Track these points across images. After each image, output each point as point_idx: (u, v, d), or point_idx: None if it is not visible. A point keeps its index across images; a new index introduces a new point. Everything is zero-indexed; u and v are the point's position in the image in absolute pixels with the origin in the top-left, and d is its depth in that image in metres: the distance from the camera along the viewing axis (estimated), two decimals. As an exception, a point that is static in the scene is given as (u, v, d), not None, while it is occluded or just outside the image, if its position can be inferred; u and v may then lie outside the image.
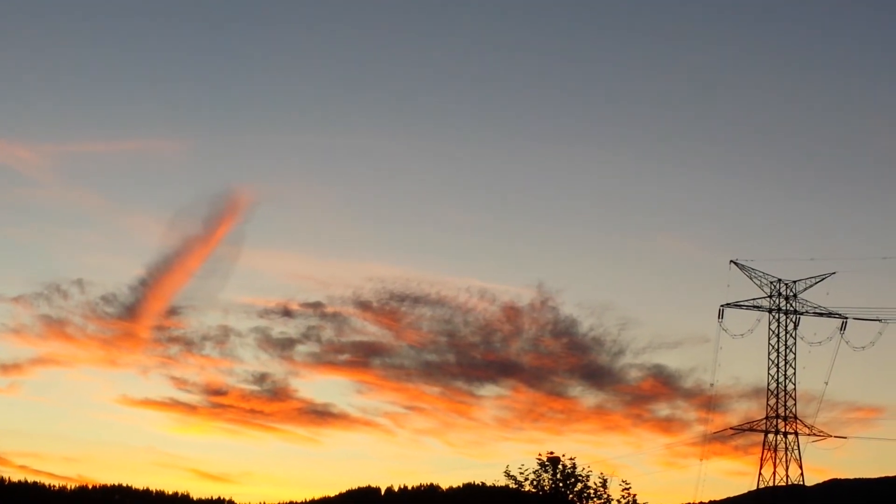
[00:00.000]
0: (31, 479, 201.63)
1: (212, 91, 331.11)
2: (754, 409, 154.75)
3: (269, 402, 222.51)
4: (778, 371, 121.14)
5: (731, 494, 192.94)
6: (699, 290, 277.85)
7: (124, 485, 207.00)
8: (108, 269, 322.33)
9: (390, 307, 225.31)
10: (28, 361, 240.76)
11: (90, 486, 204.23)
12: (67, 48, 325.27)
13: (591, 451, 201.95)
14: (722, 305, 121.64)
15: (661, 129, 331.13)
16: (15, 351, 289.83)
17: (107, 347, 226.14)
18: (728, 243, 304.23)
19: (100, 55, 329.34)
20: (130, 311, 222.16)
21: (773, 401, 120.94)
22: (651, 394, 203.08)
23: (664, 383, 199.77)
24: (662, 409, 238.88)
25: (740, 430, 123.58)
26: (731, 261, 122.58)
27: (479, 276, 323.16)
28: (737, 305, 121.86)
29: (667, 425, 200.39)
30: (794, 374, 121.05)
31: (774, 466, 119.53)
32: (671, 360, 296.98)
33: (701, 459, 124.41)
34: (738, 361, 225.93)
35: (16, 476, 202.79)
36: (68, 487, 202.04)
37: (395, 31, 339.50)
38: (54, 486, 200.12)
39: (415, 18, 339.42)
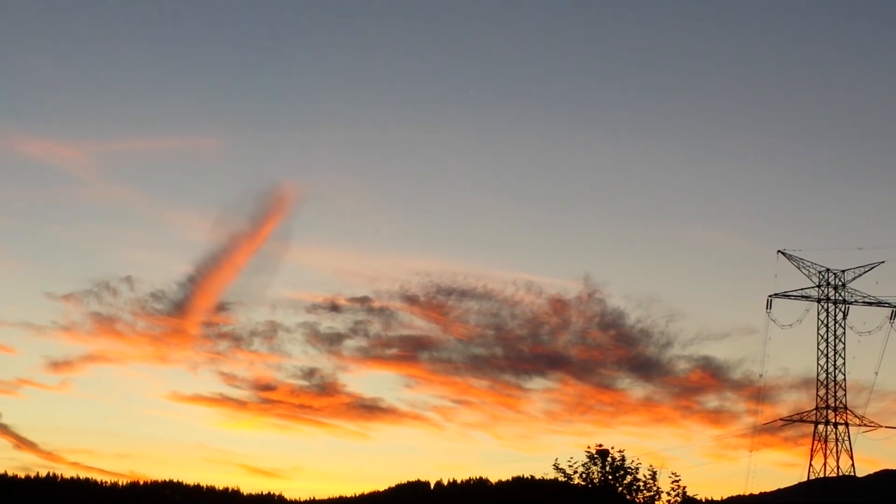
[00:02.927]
0: (83, 475, 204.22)
1: (255, 86, 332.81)
2: (804, 400, 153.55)
3: (317, 396, 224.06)
4: (827, 361, 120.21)
5: (782, 486, 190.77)
6: (746, 281, 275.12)
7: (175, 480, 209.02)
8: (157, 267, 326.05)
9: (437, 301, 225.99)
10: (79, 358, 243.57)
11: (141, 483, 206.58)
12: (110, 47, 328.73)
13: (640, 443, 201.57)
14: (770, 296, 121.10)
15: (706, 119, 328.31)
16: (66, 348, 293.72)
17: (156, 344, 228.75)
18: (775, 233, 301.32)
19: (142, 53, 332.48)
20: (179, 308, 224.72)
21: (822, 391, 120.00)
22: (699, 385, 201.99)
23: (713, 375, 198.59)
24: (711, 401, 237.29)
25: (790, 421, 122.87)
26: (779, 251, 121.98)
27: (526, 269, 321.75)
28: (785, 296, 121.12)
29: (716, 417, 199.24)
30: (844, 364, 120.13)
31: (825, 457, 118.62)
32: (719, 352, 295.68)
33: (751, 451, 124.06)
34: (786, 352, 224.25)
35: (68, 473, 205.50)
36: (120, 483, 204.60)
37: (438, 22, 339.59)
38: (106, 483, 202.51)
39: (454, 9, 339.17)
